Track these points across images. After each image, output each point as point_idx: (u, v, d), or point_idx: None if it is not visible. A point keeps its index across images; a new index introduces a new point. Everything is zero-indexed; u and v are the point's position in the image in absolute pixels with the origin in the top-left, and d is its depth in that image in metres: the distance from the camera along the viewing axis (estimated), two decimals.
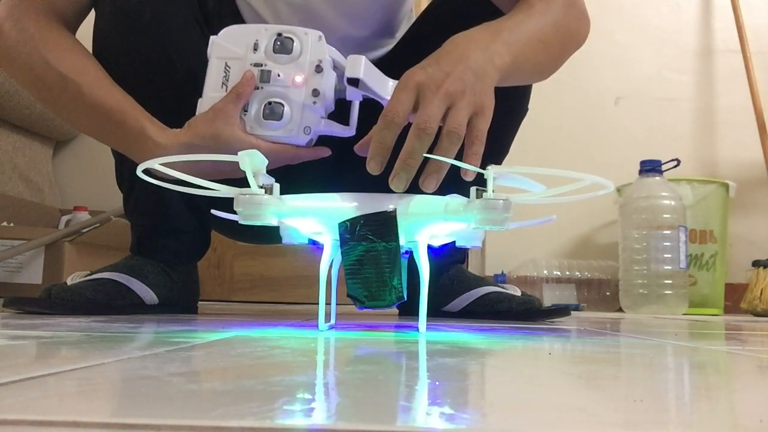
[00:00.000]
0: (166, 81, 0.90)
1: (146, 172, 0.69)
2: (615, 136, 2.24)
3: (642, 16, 2.30)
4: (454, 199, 0.64)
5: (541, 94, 1.09)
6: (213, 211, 0.79)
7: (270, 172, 0.66)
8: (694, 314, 1.86)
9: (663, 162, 1.92)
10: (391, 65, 1.05)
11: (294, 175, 0.81)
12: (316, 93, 0.80)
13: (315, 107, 0.81)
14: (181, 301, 1.03)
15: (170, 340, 0.53)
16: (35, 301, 0.89)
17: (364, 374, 0.37)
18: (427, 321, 0.67)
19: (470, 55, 0.71)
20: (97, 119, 0.85)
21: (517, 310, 1.01)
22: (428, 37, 1.02)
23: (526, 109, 1.05)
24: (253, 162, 0.63)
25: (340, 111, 0.84)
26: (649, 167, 1.91)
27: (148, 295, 0.97)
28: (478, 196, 0.62)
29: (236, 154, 0.63)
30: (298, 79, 0.80)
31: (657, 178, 1.91)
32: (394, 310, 1.17)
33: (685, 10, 2.31)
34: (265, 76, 0.80)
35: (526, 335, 0.71)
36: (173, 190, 0.70)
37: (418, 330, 0.67)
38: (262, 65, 0.81)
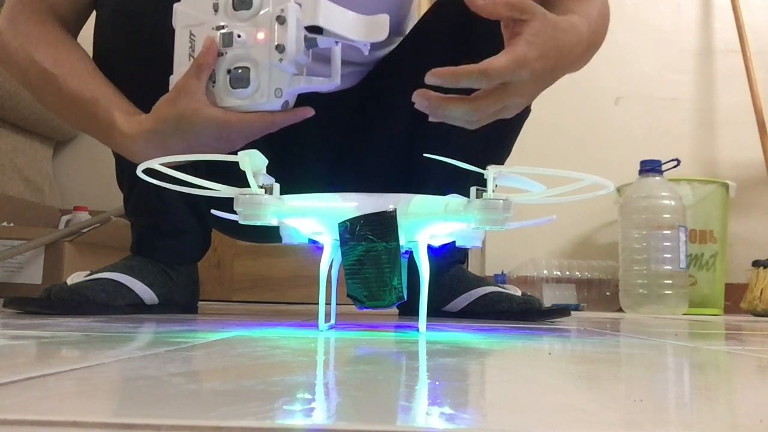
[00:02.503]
0: (166, 81, 0.90)
1: (147, 171, 0.69)
2: (615, 136, 2.24)
3: (642, 16, 2.29)
4: (454, 199, 0.64)
5: (541, 95, 1.09)
6: (213, 211, 0.79)
7: (269, 168, 0.66)
8: (694, 314, 1.86)
9: (663, 162, 1.92)
10: (397, 62, 1.05)
11: (294, 174, 0.81)
12: (281, 49, 0.72)
13: (282, 65, 0.73)
14: (181, 301, 1.03)
15: (170, 340, 0.53)
16: (35, 301, 0.89)
17: (364, 374, 0.37)
18: (427, 321, 0.67)
19: (565, 68, 0.76)
20: (76, 112, 0.85)
21: (517, 310, 1.01)
22: (434, 35, 1.02)
23: (529, 110, 1.05)
24: (253, 162, 0.63)
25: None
26: (649, 167, 1.91)
27: (148, 295, 0.97)
28: (478, 196, 0.62)
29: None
30: (260, 36, 0.73)
31: (657, 178, 1.91)
32: (394, 310, 1.17)
33: (685, 10, 2.31)
34: (227, 40, 0.74)
35: (526, 335, 0.70)
36: (173, 190, 0.70)
37: (418, 330, 0.67)
38: (224, 27, 0.75)
